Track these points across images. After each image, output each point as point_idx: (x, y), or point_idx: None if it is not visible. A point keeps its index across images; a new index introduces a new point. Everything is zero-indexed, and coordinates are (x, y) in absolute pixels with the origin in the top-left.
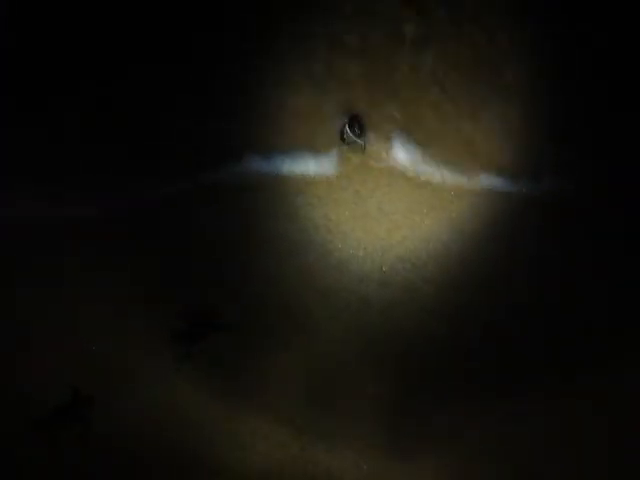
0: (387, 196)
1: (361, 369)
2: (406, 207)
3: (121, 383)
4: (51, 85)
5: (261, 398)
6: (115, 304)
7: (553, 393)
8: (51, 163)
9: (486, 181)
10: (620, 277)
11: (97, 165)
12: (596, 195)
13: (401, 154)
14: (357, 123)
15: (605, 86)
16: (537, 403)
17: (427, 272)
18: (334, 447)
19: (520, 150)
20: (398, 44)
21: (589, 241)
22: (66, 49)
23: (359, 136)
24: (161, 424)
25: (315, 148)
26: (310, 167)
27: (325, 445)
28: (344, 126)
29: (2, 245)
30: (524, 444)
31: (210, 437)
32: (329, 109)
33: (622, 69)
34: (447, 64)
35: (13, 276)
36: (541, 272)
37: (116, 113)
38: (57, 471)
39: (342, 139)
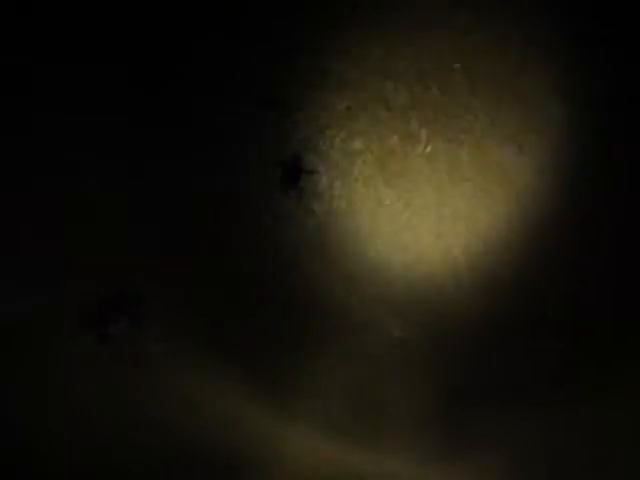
0: None
1: (401, 369)
2: None
3: None
4: None
5: (294, 399)
6: None
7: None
8: None
9: None
10: None
11: None
12: None
13: None
14: None
15: None
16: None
17: None
18: (369, 452)
19: None
20: None
21: None
22: None
23: None
24: (199, 422)
25: None
26: None
27: (359, 450)
28: None
29: None
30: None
31: (243, 436)
32: None
33: None
34: None
35: None
36: None
37: None
38: None
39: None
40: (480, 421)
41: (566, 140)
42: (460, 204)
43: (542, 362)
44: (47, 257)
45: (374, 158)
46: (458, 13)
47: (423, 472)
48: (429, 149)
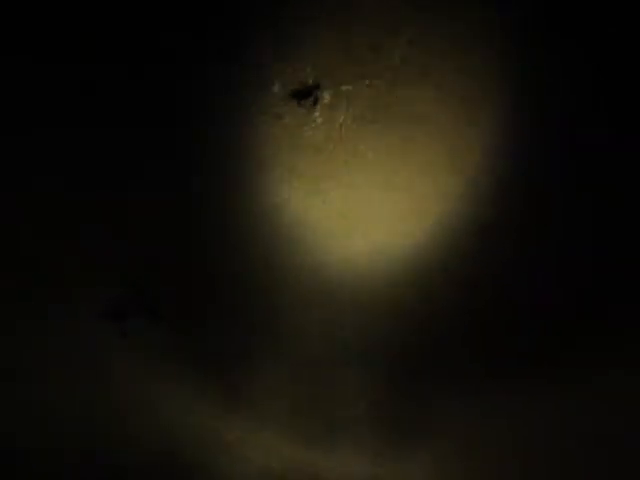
0: None
1: (351, 362)
2: None
3: None
4: None
5: (246, 399)
6: None
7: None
8: None
9: None
10: None
11: None
12: None
13: None
14: None
15: None
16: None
17: None
18: (325, 449)
19: None
20: None
21: None
22: None
23: None
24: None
25: None
26: None
27: (316, 448)
28: None
29: None
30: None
31: (196, 441)
32: None
33: None
34: None
35: None
36: None
37: None
38: None
39: None
40: (437, 408)
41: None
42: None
43: (501, 350)
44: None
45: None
46: None
47: (377, 467)
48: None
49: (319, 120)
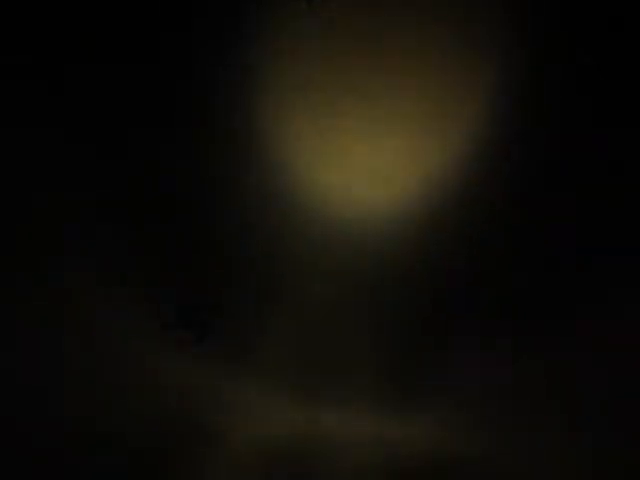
0: None
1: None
2: None
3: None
4: None
5: (256, 362)
6: None
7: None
8: None
9: None
10: None
11: None
12: None
13: None
14: None
15: None
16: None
17: None
18: (334, 408)
19: None
20: None
21: None
22: None
23: None
24: (158, 391)
25: None
26: None
27: (324, 407)
28: None
29: None
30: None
31: (208, 403)
32: None
33: None
34: None
35: None
36: None
37: None
38: None
39: None
40: (437, 367)
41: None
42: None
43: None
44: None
45: None
46: None
47: (383, 424)
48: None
49: None
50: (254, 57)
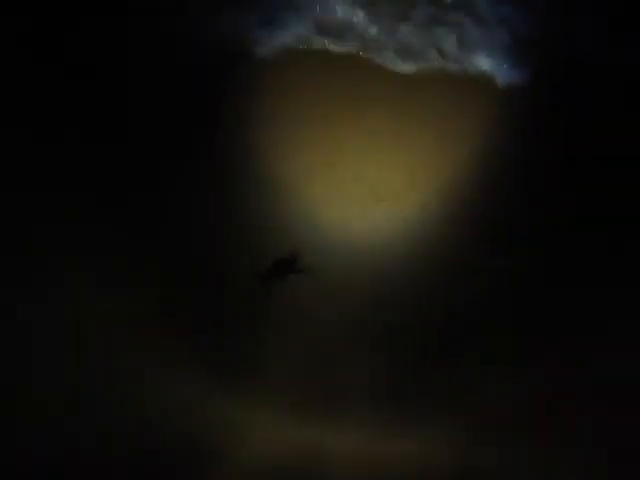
0: None
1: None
2: None
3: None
4: None
5: (256, 380)
6: None
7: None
8: None
9: None
10: None
11: None
12: None
13: None
14: None
15: None
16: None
17: None
18: (332, 427)
19: None
20: None
21: None
22: None
23: None
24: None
25: None
26: None
27: (323, 426)
28: None
29: None
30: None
31: (208, 421)
32: None
33: None
34: None
35: None
36: None
37: None
38: None
39: None
40: (437, 384)
41: None
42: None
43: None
44: None
45: None
46: None
47: (382, 444)
48: None
49: None
50: None
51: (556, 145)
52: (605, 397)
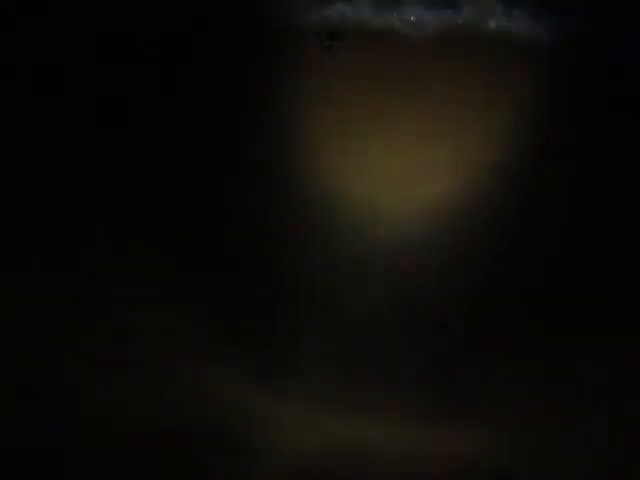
0: None
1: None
2: None
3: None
4: None
5: (289, 371)
6: None
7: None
8: None
9: None
10: None
11: None
12: None
13: None
14: None
15: None
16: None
17: None
18: (368, 421)
19: None
20: None
21: None
22: None
23: None
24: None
25: None
26: None
27: (357, 419)
28: None
29: None
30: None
31: (240, 412)
32: None
33: None
34: None
35: None
36: None
37: None
38: None
39: None
40: (472, 381)
41: None
42: None
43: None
44: None
45: None
46: None
47: (421, 435)
48: None
49: None
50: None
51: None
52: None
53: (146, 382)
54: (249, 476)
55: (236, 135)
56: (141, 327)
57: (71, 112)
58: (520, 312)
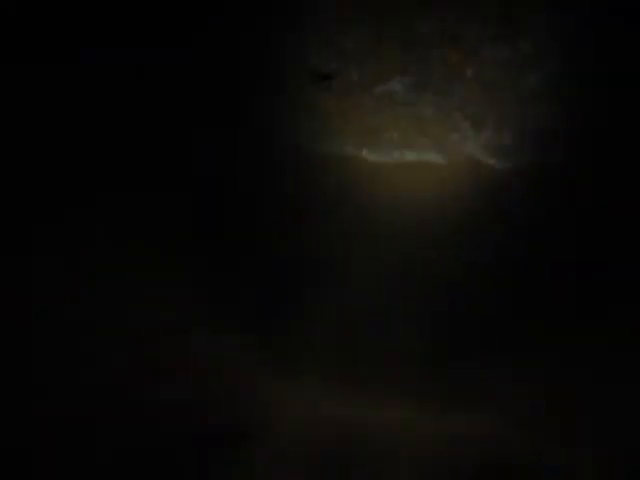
0: None
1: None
2: None
3: None
4: None
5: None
6: None
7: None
8: None
9: None
10: None
11: None
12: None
13: None
14: None
15: None
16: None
17: None
18: (370, 402)
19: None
20: None
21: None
22: None
23: None
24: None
25: None
26: None
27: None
28: None
29: None
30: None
31: (253, 396)
32: None
33: None
34: None
35: None
36: None
37: None
38: None
39: None
40: (476, 369)
41: None
42: None
43: None
44: None
45: None
46: None
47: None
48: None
49: None
50: None
51: None
52: None
53: (146, 382)
54: (249, 475)
55: (236, 135)
56: (141, 327)
57: (71, 112)
58: (522, 302)
